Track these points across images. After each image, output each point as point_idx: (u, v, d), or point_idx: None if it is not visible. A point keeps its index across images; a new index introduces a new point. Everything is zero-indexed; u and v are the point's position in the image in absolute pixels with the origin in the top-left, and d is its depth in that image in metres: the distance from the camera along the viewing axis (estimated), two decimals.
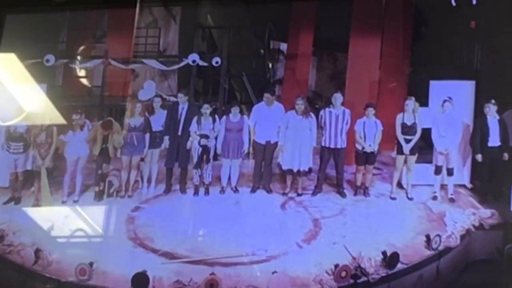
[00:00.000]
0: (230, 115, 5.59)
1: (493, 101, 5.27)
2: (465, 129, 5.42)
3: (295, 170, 5.50)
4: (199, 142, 5.55)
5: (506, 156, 5.20)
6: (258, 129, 5.62)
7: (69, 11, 6.03)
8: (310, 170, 5.52)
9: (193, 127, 5.59)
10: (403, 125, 5.42)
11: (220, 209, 5.37)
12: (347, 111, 5.50)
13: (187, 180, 5.63)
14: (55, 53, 6.10)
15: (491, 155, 5.28)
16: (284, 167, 5.53)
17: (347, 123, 5.49)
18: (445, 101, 5.39)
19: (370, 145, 5.46)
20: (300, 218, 5.26)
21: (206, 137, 5.55)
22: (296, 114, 5.50)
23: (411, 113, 5.42)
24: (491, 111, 5.28)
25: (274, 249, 4.90)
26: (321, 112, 5.56)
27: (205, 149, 5.55)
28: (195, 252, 4.96)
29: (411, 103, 5.42)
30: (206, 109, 5.58)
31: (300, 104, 5.48)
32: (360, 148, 5.50)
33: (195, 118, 5.58)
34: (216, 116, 5.62)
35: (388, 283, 4.68)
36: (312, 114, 5.52)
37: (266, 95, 5.62)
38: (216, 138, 5.57)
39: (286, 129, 5.51)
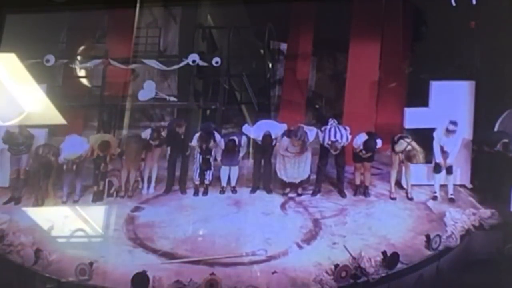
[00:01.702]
0: (228, 147, 5.58)
1: None
2: (466, 129, 5.43)
3: (296, 182, 5.52)
4: (199, 153, 5.58)
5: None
6: (256, 129, 5.63)
7: (69, 11, 6.03)
8: (309, 177, 5.53)
9: (194, 142, 5.60)
10: None
11: (220, 209, 5.37)
12: (346, 136, 5.44)
13: (187, 180, 5.64)
14: (55, 53, 6.10)
15: (494, 155, 5.28)
16: (287, 181, 5.53)
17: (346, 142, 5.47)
18: (449, 130, 5.33)
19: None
20: (300, 218, 5.26)
21: (208, 152, 5.56)
22: (292, 145, 5.47)
23: None
24: None
25: (274, 249, 4.90)
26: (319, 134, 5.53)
27: (205, 160, 5.57)
28: (195, 252, 4.95)
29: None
30: (203, 139, 5.57)
31: (297, 145, 5.42)
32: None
33: (197, 135, 5.59)
34: (216, 136, 5.59)
35: (388, 283, 4.67)
36: (308, 147, 5.48)
37: None
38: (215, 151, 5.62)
39: (285, 150, 5.50)
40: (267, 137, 5.51)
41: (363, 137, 5.42)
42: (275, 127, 5.57)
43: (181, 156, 5.67)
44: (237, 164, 5.60)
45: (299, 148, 5.45)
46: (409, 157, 5.30)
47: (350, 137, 5.42)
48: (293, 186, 5.53)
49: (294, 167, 5.51)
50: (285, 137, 5.50)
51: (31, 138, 5.68)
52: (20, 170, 5.64)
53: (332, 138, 5.38)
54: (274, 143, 5.55)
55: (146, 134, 5.67)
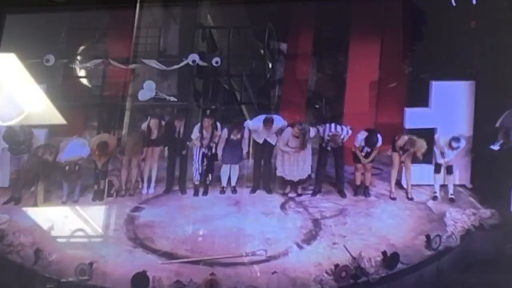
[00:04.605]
0: (231, 134, 5.61)
1: None
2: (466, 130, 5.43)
3: (295, 180, 5.52)
4: (199, 149, 5.58)
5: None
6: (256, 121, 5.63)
7: (69, 11, 6.02)
8: (309, 176, 5.53)
9: (195, 135, 5.61)
10: None
11: (220, 209, 5.37)
12: (346, 130, 5.48)
13: (187, 180, 5.64)
14: (55, 53, 6.08)
15: (494, 155, 5.28)
16: (286, 178, 5.54)
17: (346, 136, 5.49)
18: (453, 147, 5.35)
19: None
20: (300, 218, 5.26)
21: (209, 147, 5.56)
22: (293, 137, 5.48)
23: None
24: None
25: (274, 249, 4.90)
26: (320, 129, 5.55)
27: (204, 156, 5.57)
28: (195, 252, 4.96)
29: None
30: (208, 123, 5.60)
31: (297, 135, 5.45)
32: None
33: (197, 127, 5.60)
34: (218, 124, 5.63)
35: (388, 283, 4.67)
36: (308, 145, 5.49)
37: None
38: (217, 144, 5.61)
39: (285, 145, 5.51)
40: (268, 120, 5.53)
41: (363, 134, 5.45)
42: (277, 119, 5.61)
43: (179, 156, 5.67)
44: (239, 161, 5.59)
45: (300, 142, 5.44)
46: (412, 143, 5.32)
47: (350, 132, 5.45)
48: (292, 184, 5.52)
49: (294, 165, 5.50)
50: (286, 129, 5.51)
51: (32, 136, 5.68)
52: (21, 172, 5.64)
53: (333, 131, 5.42)
54: (275, 137, 5.57)
55: (145, 124, 5.72)
